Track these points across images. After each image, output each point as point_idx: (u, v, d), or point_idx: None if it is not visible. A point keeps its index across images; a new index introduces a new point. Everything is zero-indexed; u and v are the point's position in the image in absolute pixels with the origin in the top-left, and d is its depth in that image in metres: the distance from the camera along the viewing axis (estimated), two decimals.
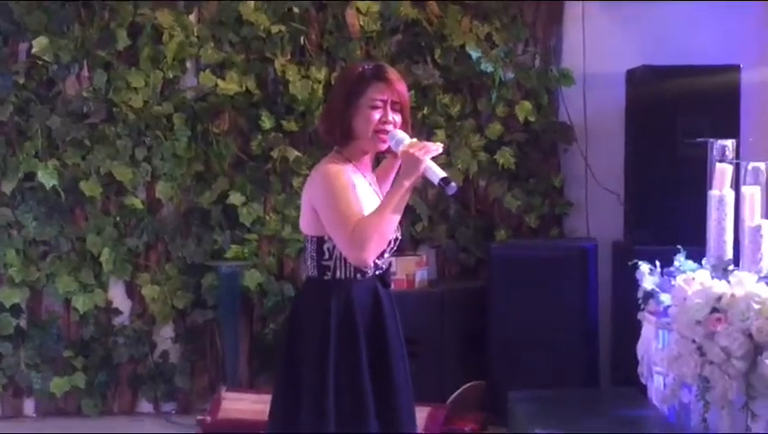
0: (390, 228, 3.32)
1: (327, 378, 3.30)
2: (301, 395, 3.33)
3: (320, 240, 3.39)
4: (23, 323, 6.44)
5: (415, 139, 3.45)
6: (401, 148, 3.41)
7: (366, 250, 3.27)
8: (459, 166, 6.37)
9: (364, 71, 3.43)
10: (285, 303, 6.32)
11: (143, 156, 6.40)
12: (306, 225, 3.44)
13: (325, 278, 3.39)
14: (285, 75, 6.36)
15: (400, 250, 6.07)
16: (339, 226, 3.30)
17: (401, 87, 3.44)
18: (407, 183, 3.34)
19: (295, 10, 6.35)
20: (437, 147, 3.43)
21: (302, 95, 6.32)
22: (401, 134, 3.44)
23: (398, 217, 3.34)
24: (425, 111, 6.35)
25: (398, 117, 3.43)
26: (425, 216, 6.39)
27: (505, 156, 6.40)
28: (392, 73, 3.45)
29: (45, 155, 6.34)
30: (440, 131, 6.36)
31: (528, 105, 6.38)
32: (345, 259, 3.37)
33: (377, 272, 3.44)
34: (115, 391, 6.48)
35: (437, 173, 3.40)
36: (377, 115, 3.40)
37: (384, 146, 3.45)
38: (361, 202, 3.34)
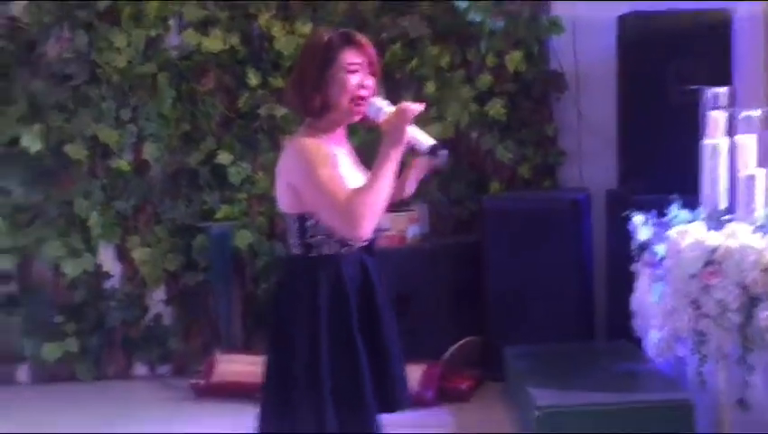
0: (383, 201, 3.20)
1: (321, 356, 3.23)
2: (295, 375, 3.25)
3: (301, 218, 3.29)
4: (13, 289, 6.38)
5: (396, 107, 3.33)
6: (382, 117, 3.30)
7: (361, 226, 3.17)
8: (449, 119, 6.27)
9: (332, 38, 3.32)
10: (277, 263, 6.24)
11: (128, 118, 6.32)
12: (285, 204, 3.33)
13: (311, 255, 3.31)
14: (269, 31, 6.26)
15: (391, 206, 6.04)
16: (328, 204, 3.19)
17: (372, 50, 3.35)
18: (393, 154, 3.21)
19: None
20: (419, 106, 3.30)
21: (287, 51, 6.22)
22: (380, 102, 3.32)
23: (389, 189, 3.22)
24: (413, 64, 6.24)
25: (371, 82, 3.33)
26: None
27: (496, 108, 6.30)
28: (361, 37, 3.35)
29: (29, 119, 6.25)
30: (429, 83, 6.26)
31: (518, 54, 6.26)
32: (330, 235, 3.29)
33: (362, 243, 3.36)
34: (108, 355, 6.44)
35: (424, 141, 3.29)
36: (354, 80, 3.30)
37: (358, 117, 3.34)
38: (344, 176, 3.25)
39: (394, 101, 3.35)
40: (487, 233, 5.95)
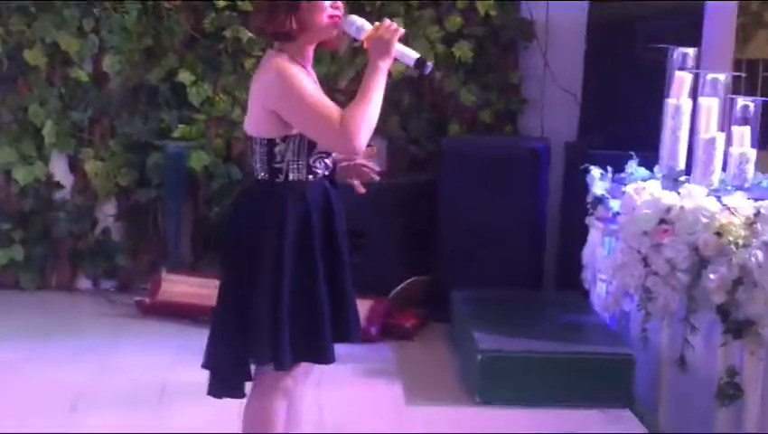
0: (376, 112, 3.23)
1: (283, 282, 3.23)
2: (255, 299, 3.24)
3: (270, 143, 3.28)
4: None
5: (376, 23, 3.32)
6: (365, 35, 3.29)
7: (357, 139, 3.19)
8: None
9: None
10: (231, 186, 6.20)
11: (91, 28, 6.21)
12: (256, 128, 3.31)
13: (277, 180, 3.30)
14: None
15: None
16: (321, 122, 3.20)
17: None
18: (381, 65, 3.24)
19: None
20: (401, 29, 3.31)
21: None
22: (360, 19, 3.32)
23: (380, 100, 3.24)
24: None
25: (341, 3, 3.33)
26: None
27: (463, 50, 6.26)
28: None
29: None
30: (398, 20, 6.16)
31: None
32: (297, 162, 3.28)
33: (326, 172, 3.36)
34: (53, 266, 6.38)
35: (410, 54, 3.32)
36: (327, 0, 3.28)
37: (335, 33, 3.32)
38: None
39: None
40: (444, 175, 5.94)
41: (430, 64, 3.32)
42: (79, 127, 6.29)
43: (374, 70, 3.25)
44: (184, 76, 6.22)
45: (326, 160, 3.35)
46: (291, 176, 3.30)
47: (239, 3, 6.18)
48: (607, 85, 5.84)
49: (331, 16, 3.29)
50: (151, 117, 6.28)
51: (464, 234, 5.81)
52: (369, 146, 3.37)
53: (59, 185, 6.34)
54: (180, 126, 6.25)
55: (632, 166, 5.00)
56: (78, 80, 6.24)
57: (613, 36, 5.79)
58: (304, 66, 3.31)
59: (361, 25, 3.30)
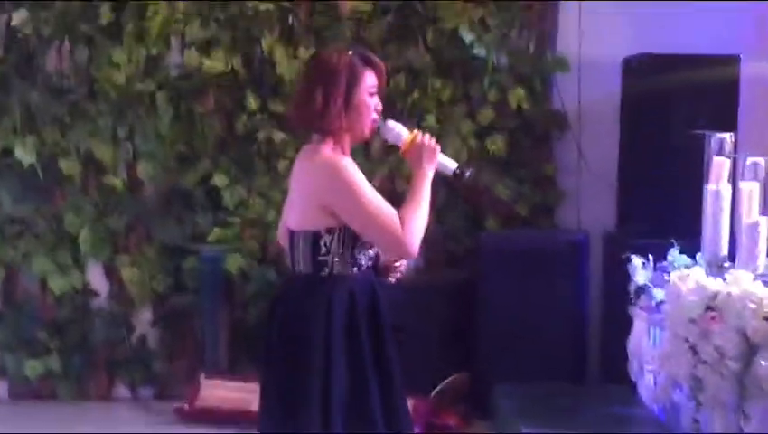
0: (426, 218, 3.35)
1: (333, 376, 3.21)
2: (302, 397, 3.21)
3: (315, 236, 3.28)
4: None
5: (415, 130, 3.46)
6: (405, 140, 3.41)
7: (412, 244, 3.29)
8: (449, 153, 6.18)
9: (354, 59, 3.32)
10: (267, 288, 6.16)
11: (124, 135, 6.24)
12: (300, 221, 3.31)
13: (322, 274, 3.28)
14: (272, 55, 6.19)
15: None
16: (378, 225, 3.25)
17: (384, 71, 3.43)
18: (429, 173, 3.38)
19: None
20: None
21: (289, 75, 6.15)
22: (398, 126, 3.44)
23: (428, 205, 3.37)
24: (415, 96, 6.18)
25: (380, 104, 3.41)
26: None
27: (496, 143, 6.24)
28: (376, 58, 3.43)
29: (23, 131, 6.18)
30: (430, 116, 6.20)
31: (521, 91, 6.21)
32: (342, 254, 3.29)
33: (369, 264, 3.34)
34: (91, 374, 6.32)
35: (449, 165, 3.49)
36: (374, 102, 3.36)
37: (369, 135, 3.38)
38: None
39: None
40: (483, 270, 5.90)
41: (471, 170, 3.49)
42: (115, 235, 6.28)
43: (421, 178, 3.36)
44: (219, 179, 6.22)
45: (370, 251, 3.34)
46: (336, 269, 3.28)
47: (271, 104, 6.20)
48: (644, 173, 5.79)
49: (373, 119, 3.36)
50: (185, 222, 6.27)
51: (504, 328, 5.74)
52: None
53: (94, 293, 6.32)
54: (215, 229, 6.23)
55: (674, 254, 4.92)
56: (112, 188, 6.25)
57: (648, 123, 5.75)
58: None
59: (399, 133, 3.43)
